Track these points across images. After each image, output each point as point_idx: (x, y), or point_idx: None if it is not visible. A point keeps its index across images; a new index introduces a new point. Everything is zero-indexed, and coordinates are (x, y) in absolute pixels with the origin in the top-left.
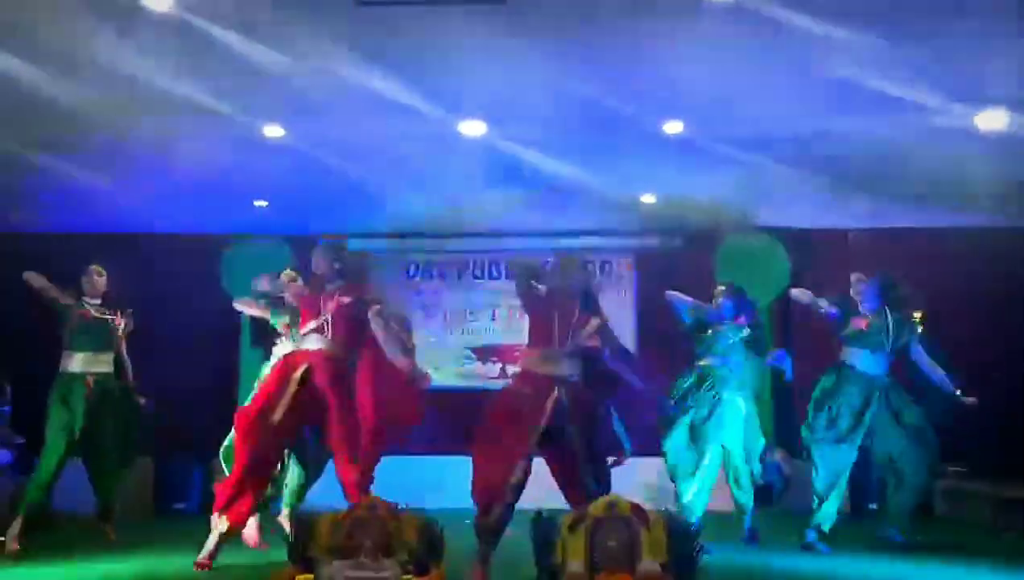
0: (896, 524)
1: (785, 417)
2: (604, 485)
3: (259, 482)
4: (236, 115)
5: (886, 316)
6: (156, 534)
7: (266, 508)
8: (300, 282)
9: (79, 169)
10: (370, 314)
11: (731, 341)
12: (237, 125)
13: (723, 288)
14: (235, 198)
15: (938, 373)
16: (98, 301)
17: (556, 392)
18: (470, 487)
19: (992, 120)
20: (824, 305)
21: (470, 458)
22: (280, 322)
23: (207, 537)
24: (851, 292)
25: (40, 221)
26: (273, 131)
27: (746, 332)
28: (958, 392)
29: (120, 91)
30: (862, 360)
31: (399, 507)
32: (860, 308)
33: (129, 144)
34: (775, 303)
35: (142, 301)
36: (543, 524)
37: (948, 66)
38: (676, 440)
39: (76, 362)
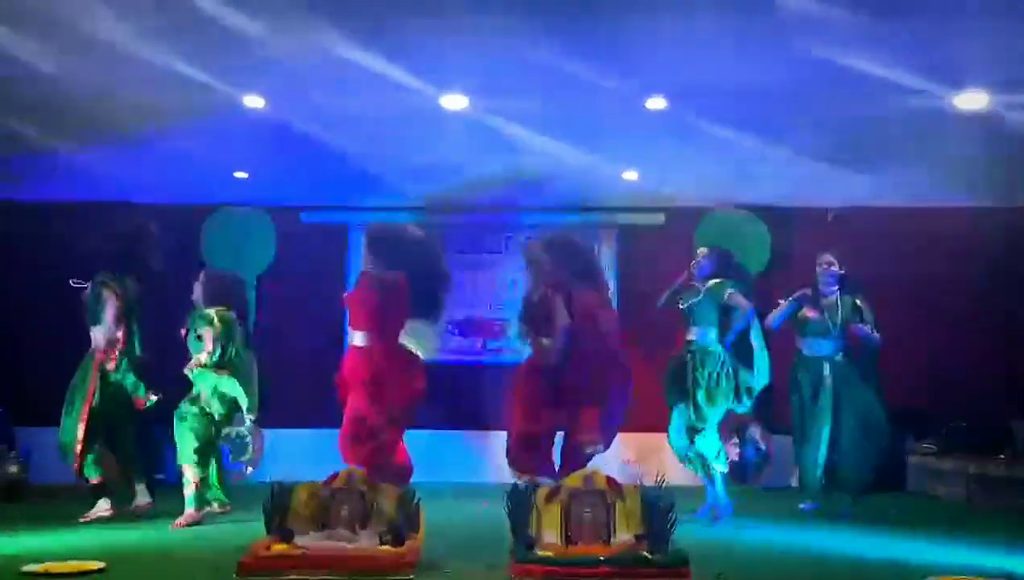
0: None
1: (763, 393)
2: None
3: None
4: (216, 85)
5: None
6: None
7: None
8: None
9: (58, 139)
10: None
11: (706, 306)
12: (217, 95)
13: (702, 251)
14: (215, 169)
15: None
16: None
17: None
18: None
19: (972, 101)
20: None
21: (449, 432)
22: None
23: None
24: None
25: (17, 190)
26: (253, 101)
27: (724, 292)
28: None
29: (100, 60)
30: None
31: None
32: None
33: (108, 113)
34: (755, 281)
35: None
36: (519, 496)
37: (929, 47)
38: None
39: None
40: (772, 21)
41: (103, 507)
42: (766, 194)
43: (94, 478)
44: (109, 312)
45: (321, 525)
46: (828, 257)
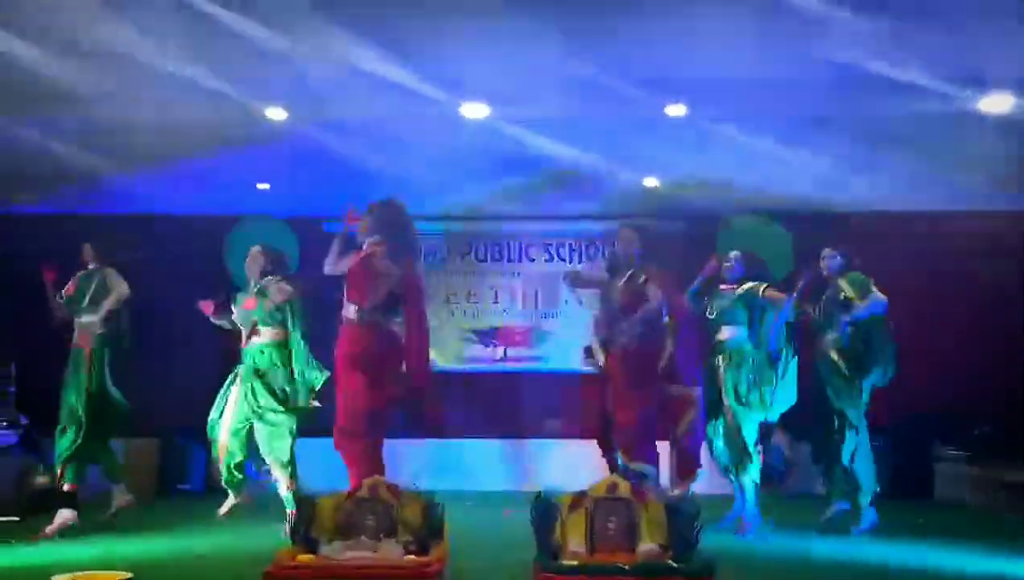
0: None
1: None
2: None
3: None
4: (238, 97)
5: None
6: (159, 515)
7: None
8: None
9: (81, 150)
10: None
11: (739, 309)
12: (239, 107)
13: (734, 254)
14: (237, 180)
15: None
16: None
17: None
18: None
19: (997, 104)
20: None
21: (471, 441)
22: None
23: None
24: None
25: (43, 202)
26: (275, 113)
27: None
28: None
29: (122, 72)
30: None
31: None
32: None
33: (131, 125)
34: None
35: (144, 282)
36: (543, 504)
37: (953, 49)
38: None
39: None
40: (793, 26)
41: (66, 516)
42: (788, 199)
43: (70, 484)
44: (113, 297)
45: (346, 535)
46: (826, 251)
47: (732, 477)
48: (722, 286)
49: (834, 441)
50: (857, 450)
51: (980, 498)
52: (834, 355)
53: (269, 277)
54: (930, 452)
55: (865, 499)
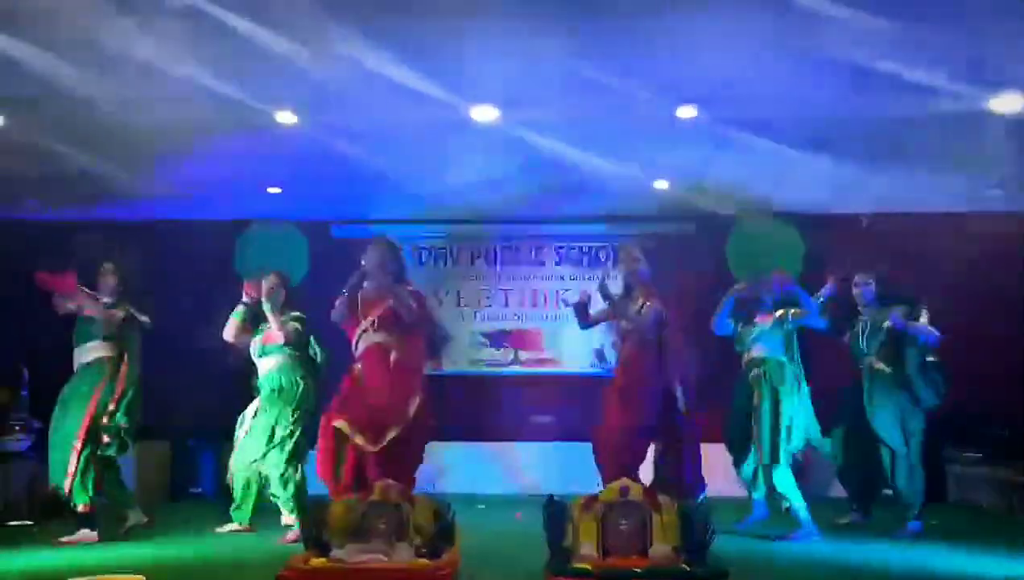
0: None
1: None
2: None
3: None
4: (249, 102)
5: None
6: (171, 518)
7: None
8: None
9: (93, 157)
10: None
11: (773, 329)
12: (250, 112)
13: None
14: (248, 185)
15: None
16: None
17: None
18: None
19: (1008, 104)
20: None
21: (483, 444)
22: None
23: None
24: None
25: (54, 209)
26: (286, 118)
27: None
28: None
29: (133, 78)
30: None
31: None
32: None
33: (142, 132)
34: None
35: (157, 288)
36: (555, 508)
37: (963, 49)
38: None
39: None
40: (803, 27)
41: (87, 534)
42: (798, 201)
43: (82, 505)
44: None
45: (358, 538)
46: (859, 278)
47: (756, 493)
48: (758, 317)
49: (875, 463)
50: (900, 467)
51: (995, 500)
52: (880, 365)
53: (290, 315)
54: (943, 454)
55: (912, 512)
